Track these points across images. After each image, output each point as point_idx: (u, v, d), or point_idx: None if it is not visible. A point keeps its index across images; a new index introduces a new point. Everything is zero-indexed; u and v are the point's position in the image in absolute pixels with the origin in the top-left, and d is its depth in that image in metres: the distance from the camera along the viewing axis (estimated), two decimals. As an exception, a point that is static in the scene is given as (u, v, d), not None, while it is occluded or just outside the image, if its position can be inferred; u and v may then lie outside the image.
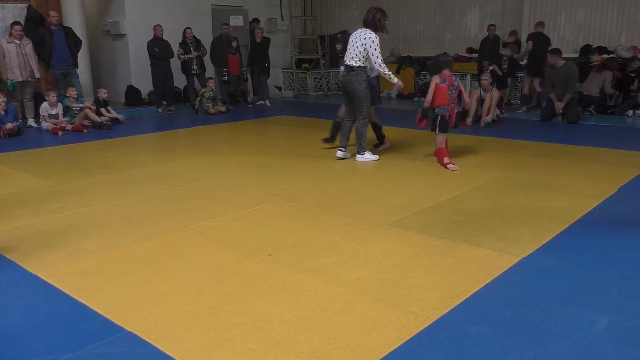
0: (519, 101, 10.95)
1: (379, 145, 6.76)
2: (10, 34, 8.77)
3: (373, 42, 5.63)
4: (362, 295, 2.87)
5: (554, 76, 8.84)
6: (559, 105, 8.68)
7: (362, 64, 5.76)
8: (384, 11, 5.87)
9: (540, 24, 10.26)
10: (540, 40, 10.05)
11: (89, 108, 8.65)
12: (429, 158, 6.27)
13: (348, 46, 5.83)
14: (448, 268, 3.22)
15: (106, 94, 9.21)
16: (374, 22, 5.75)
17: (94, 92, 10.09)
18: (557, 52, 8.95)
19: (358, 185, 5.19)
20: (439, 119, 5.98)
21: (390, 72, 5.87)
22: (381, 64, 5.73)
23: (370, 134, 6.35)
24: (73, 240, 3.74)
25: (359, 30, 5.80)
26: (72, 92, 8.69)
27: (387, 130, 8.38)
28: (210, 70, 11.27)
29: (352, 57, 5.76)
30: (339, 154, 6.17)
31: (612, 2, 10.69)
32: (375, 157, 6.09)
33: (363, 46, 5.67)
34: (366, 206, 4.48)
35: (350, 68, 5.79)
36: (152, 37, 10.39)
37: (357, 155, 6.05)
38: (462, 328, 2.54)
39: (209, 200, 4.74)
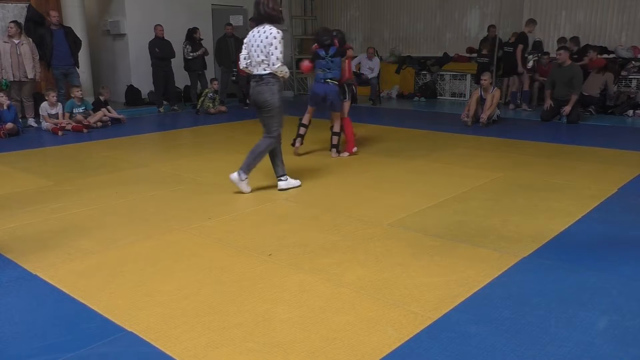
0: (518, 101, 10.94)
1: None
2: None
3: (275, 38, 4.62)
4: (362, 295, 2.87)
5: (556, 75, 8.81)
6: (566, 110, 8.60)
7: (270, 70, 4.72)
8: None
9: (532, 21, 10.42)
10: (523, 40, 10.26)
11: (103, 110, 8.92)
12: (428, 158, 6.27)
13: (245, 51, 4.82)
14: (448, 268, 3.22)
15: (108, 95, 9.26)
16: (274, 12, 4.71)
17: (94, 92, 10.10)
18: (567, 49, 8.94)
19: (358, 185, 5.18)
20: (354, 90, 6.67)
21: (286, 69, 4.82)
22: (279, 64, 4.68)
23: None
24: (73, 240, 3.74)
25: (259, 29, 4.71)
26: (77, 92, 8.70)
27: (387, 129, 8.41)
28: (210, 71, 11.29)
29: (259, 64, 4.72)
30: (281, 184, 5.07)
31: (612, 2, 10.69)
32: (249, 189, 4.91)
33: (267, 47, 4.63)
34: (366, 206, 4.48)
35: (259, 77, 4.75)
36: (152, 37, 10.39)
37: (233, 174, 4.85)
38: (462, 328, 2.54)
39: (209, 200, 4.74)
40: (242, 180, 4.87)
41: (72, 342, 2.46)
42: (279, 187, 5.03)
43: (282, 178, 5.05)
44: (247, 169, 4.88)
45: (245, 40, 4.86)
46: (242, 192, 4.87)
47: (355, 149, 6.54)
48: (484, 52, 10.57)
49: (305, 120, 6.52)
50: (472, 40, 12.40)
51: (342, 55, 6.35)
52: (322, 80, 6.24)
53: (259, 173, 5.67)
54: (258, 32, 4.71)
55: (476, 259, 3.34)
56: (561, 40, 10.26)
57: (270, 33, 4.64)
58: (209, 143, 7.46)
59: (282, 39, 4.68)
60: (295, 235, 3.82)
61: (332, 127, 6.53)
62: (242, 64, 4.88)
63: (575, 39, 10.21)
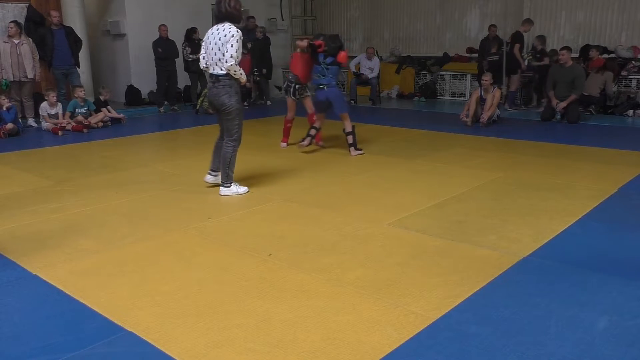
0: (518, 101, 10.95)
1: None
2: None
3: (233, 36, 4.52)
4: (362, 295, 2.87)
5: (557, 75, 8.80)
6: (561, 106, 8.64)
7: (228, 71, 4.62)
8: None
9: (528, 21, 10.59)
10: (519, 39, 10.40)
11: (104, 110, 8.97)
12: (428, 158, 6.27)
13: (204, 50, 4.73)
14: (448, 268, 3.22)
15: (108, 95, 9.27)
16: (235, 12, 4.65)
17: (94, 92, 10.09)
18: (570, 50, 8.95)
19: (358, 185, 5.18)
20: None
21: (241, 71, 4.67)
22: (232, 62, 4.54)
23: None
24: (73, 240, 3.74)
25: (218, 27, 4.62)
26: (80, 92, 8.70)
27: (387, 129, 8.41)
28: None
29: (216, 63, 4.62)
30: (209, 178, 5.10)
31: (612, 2, 10.68)
32: (244, 189, 4.93)
33: (224, 45, 4.53)
34: (366, 206, 4.48)
35: (215, 77, 4.66)
36: (155, 37, 10.39)
37: (222, 188, 4.87)
38: (462, 328, 2.54)
39: (209, 200, 4.74)
40: (231, 186, 4.87)
41: (72, 342, 2.46)
42: (219, 192, 4.90)
43: (225, 185, 4.89)
44: (227, 178, 4.86)
45: (204, 39, 4.76)
46: (240, 194, 4.88)
47: (321, 143, 6.82)
48: (493, 50, 10.61)
49: (317, 124, 6.62)
50: (472, 40, 12.40)
51: (339, 65, 6.47)
52: (317, 86, 6.43)
53: (257, 172, 5.67)
54: (217, 29, 4.61)
55: (476, 259, 3.34)
56: (540, 37, 10.40)
57: (230, 31, 4.53)
58: (208, 143, 7.39)
59: (241, 39, 4.58)
60: (295, 235, 3.82)
61: (344, 129, 6.58)
62: (202, 63, 4.80)
63: (541, 37, 10.54)
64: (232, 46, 4.52)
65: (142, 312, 2.72)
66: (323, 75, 6.35)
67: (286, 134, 7.05)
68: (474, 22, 12.59)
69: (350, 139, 6.54)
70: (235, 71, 4.60)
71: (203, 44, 4.74)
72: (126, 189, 5.07)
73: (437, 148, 6.87)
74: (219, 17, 4.66)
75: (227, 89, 4.65)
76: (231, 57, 4.52)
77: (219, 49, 4.56)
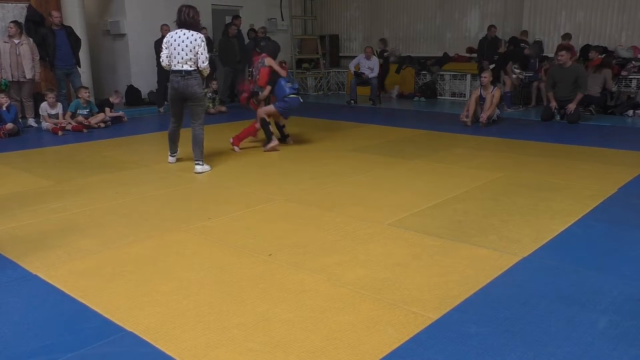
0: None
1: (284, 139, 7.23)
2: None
3: (203, 41, 5.51)
4: (362, 295, 2.87)
5: (557, 76, 8.80)
6: (570, 108, 8.62)
7: (195, 67, 5.55)
8: (194, 7, 5.66)
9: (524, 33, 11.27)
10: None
11: (105, 111, 9.02)
12: (428, 158, 6.27)
13: (167, 51, 5.55)
14: (448, 268, 3.22)
15: (118, 99, 9.40)
16: (193, 21, 5.55)
17: (94, 92, 10.09)
18: (569, 50, 8.96)
19: (358, 185, 5.18)
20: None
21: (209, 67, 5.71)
22: (207, 62, 5.57)
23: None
24: (73, 240, 3.74)
25: (178, 32, 5.53)
26: (84, 94, 8.69)
27: (387, 129, 8.41)
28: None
29: (186, 62, 5.48)
30: (172, 159, 6.08)
31: (612, 2, 10.69)
32: (209, 167, 5.83)
33: (195, 49, 5.45)
34: (366, 206, 4.48)
35: (186, 72, 5.51)
36: (154, 36, 10.38)
37: (197, 166, 5.70)
38: (462, 328, 2.54)
39: (209, 200, 4.74)
40: (204, 164, 5.75)
41: (72, 342, 2.46)
42: (195, 170, 5.69)
43: (199, 163, 5.74)
44: (201, 156, 5.73)
45: (165, 41, 5.60)
46: (207, 171, 5.69)
47: (237, 149, 6.82)
48: (500, 51, 10.88)
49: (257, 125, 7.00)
50: (472, 40, 12.41)
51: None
52: (294, 92, 6.77)
53: (257, 172, 5.68)
54: (184, 34, 5.49)
55: (476, 259, 3.34)
56: (566, 36, 10.42)
57: (199, 37, 5.51)
58: (208, 143, 7.43)
59: (203, 41, 5.55)
60: (295, 235, 3.82)
61: (283, 125, 7.24)
62: (165, 62, 5.60)
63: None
64: (204, 49, 5.52)
65: (142, 312, 2.72)
66: (293, 82, 6.93)
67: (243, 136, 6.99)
68: (473, 22, 12.60)
69: (285, 130, 7.24)
70: (207, 68, 5.62)
71: (165, 46, 5.56)
72: (126, 189, 5.07)
73: (437, 148, 6.87)
74: (180, 24, 5.55)
75: (198, 81, 5.60)
76: (206, 58, 5.54)
77: (190, 51, 5.47)
